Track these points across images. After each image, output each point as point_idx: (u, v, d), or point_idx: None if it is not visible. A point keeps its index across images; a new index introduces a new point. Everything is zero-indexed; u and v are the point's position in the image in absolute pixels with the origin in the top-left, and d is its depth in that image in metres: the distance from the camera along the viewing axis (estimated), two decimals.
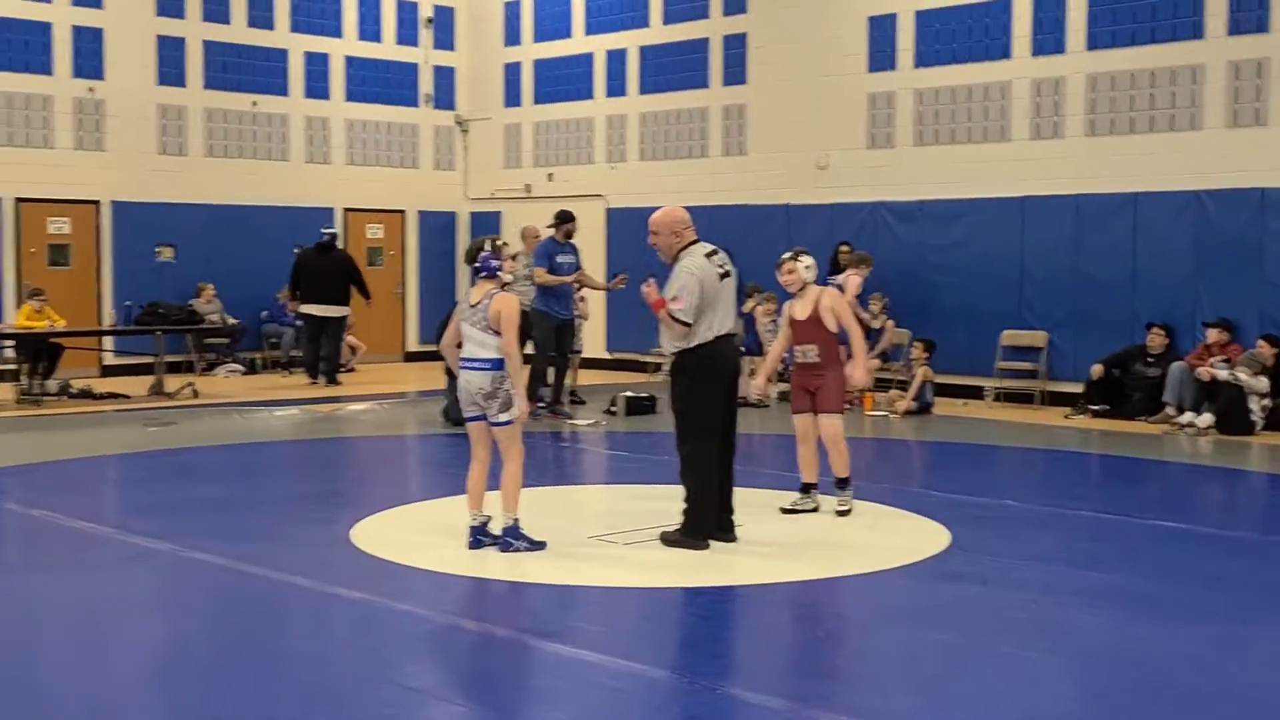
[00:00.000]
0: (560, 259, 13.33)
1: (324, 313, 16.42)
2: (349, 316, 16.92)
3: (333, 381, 16.34)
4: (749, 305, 15.75)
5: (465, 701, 5.07)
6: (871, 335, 15.26)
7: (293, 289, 16.96)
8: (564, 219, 13.56)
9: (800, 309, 8.43)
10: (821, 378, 8.37)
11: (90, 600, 6.58)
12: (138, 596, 6.72)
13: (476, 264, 7.40)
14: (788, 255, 8.52)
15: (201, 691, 5.17)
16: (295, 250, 17.08)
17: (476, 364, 7.31)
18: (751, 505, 8.50)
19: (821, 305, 8.34)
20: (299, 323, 18.04)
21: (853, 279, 14.39)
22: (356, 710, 4.93)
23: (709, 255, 7.52)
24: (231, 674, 5.39)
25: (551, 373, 13.51)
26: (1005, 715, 4.88)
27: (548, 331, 13.21)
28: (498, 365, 7.27)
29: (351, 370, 17.66)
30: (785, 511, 8.46)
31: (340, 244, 18.78)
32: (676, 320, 7.33)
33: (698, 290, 7.35)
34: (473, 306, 7.32)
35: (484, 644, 5.86)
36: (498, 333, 7.23)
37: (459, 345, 7.44)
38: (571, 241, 13.58)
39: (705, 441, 7.45)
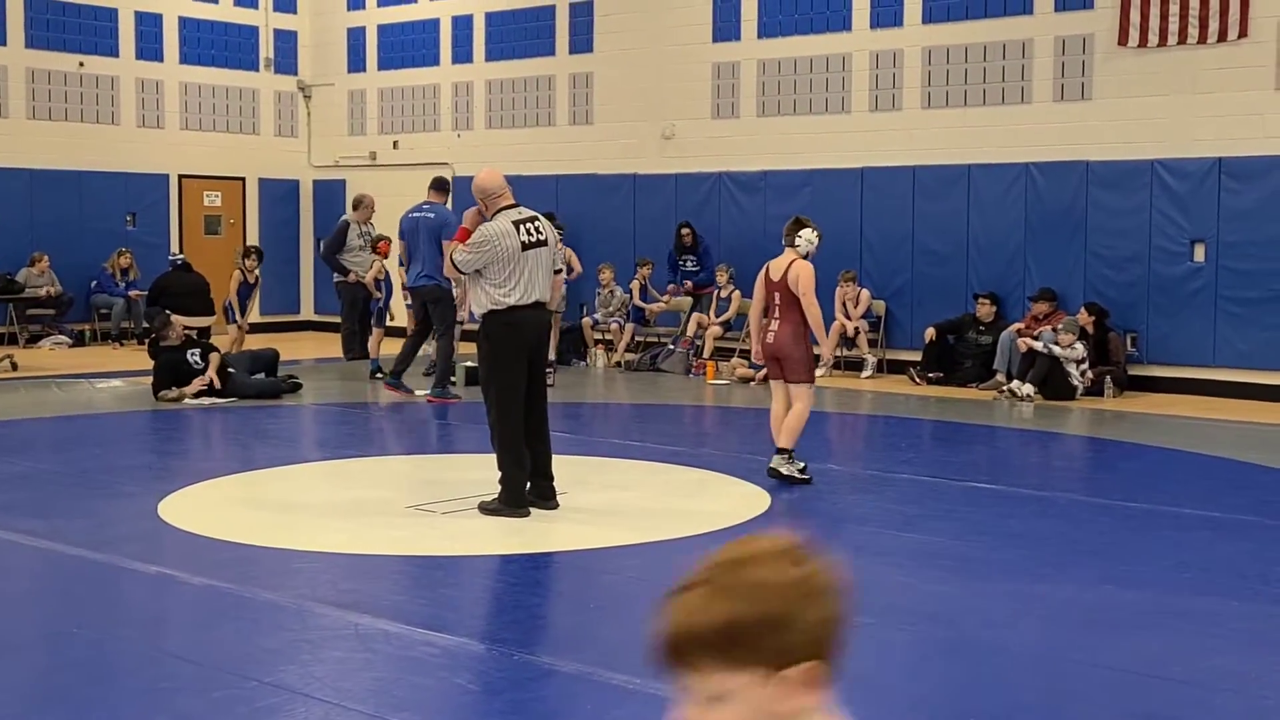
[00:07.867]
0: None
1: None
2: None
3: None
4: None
5: (255, 675, 4.90)
6: (720, 304, 15.47)
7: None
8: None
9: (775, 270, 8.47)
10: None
11: None
12: None
13: None
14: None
15: None
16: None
17: None
18: (584, 473, 8.46)
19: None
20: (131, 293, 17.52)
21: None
22: (134, 683, 4.75)
23: (522, 221, 7.42)
24: (3, 651, 5.16)
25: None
26: None
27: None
28: None
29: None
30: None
31: (175, 218, 18.25)
32: (452, 262, 7.39)
33: (484, 251, 7.28)
34: None
35: (281, 616, 5.68)
36: None
37: None
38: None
39: (510, 409, 7.35)
